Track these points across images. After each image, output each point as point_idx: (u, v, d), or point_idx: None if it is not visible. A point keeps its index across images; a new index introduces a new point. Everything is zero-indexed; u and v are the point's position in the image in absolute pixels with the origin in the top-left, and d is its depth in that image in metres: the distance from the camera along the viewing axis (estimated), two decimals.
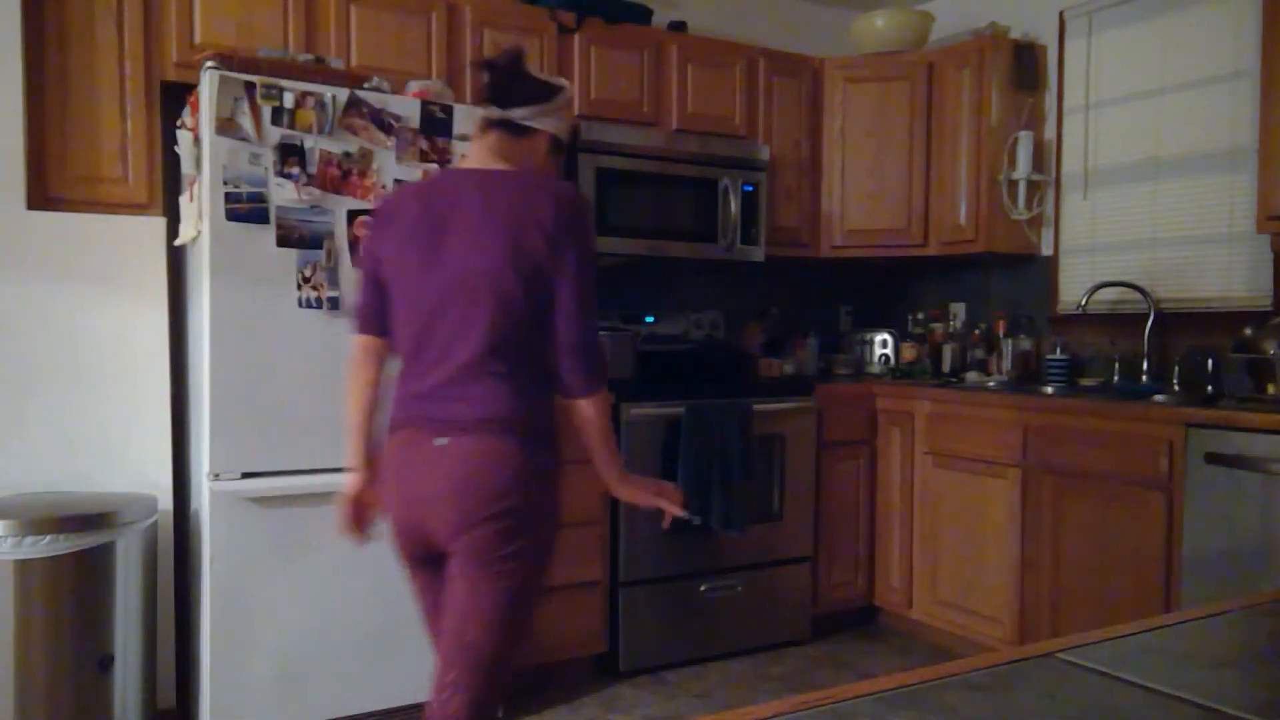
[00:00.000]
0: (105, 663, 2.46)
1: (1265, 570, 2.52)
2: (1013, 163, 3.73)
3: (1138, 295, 3.44)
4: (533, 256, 1.72)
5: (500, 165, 1.84)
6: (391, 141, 2.65)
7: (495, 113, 1.83)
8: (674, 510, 1.88)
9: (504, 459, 1.69)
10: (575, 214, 1.77)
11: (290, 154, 2.52)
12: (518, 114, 1.82)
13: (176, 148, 2.66)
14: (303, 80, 2.55)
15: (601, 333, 3.39)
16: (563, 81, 1.91)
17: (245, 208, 2.48)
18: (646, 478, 1.93)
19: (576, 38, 3.45)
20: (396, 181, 2.66)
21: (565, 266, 1.74)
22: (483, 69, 1.84)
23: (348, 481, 1.89)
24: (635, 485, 1.89)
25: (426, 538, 1.75)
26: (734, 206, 3.66)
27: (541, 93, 1.85)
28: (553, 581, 3.10)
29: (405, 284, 1.78)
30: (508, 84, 1.83)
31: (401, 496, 1.76)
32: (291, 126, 2.52)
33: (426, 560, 1.80)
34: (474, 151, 1.87)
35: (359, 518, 1.91)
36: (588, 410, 1.79)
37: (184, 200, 2.68)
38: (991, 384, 3.68)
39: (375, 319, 1.85)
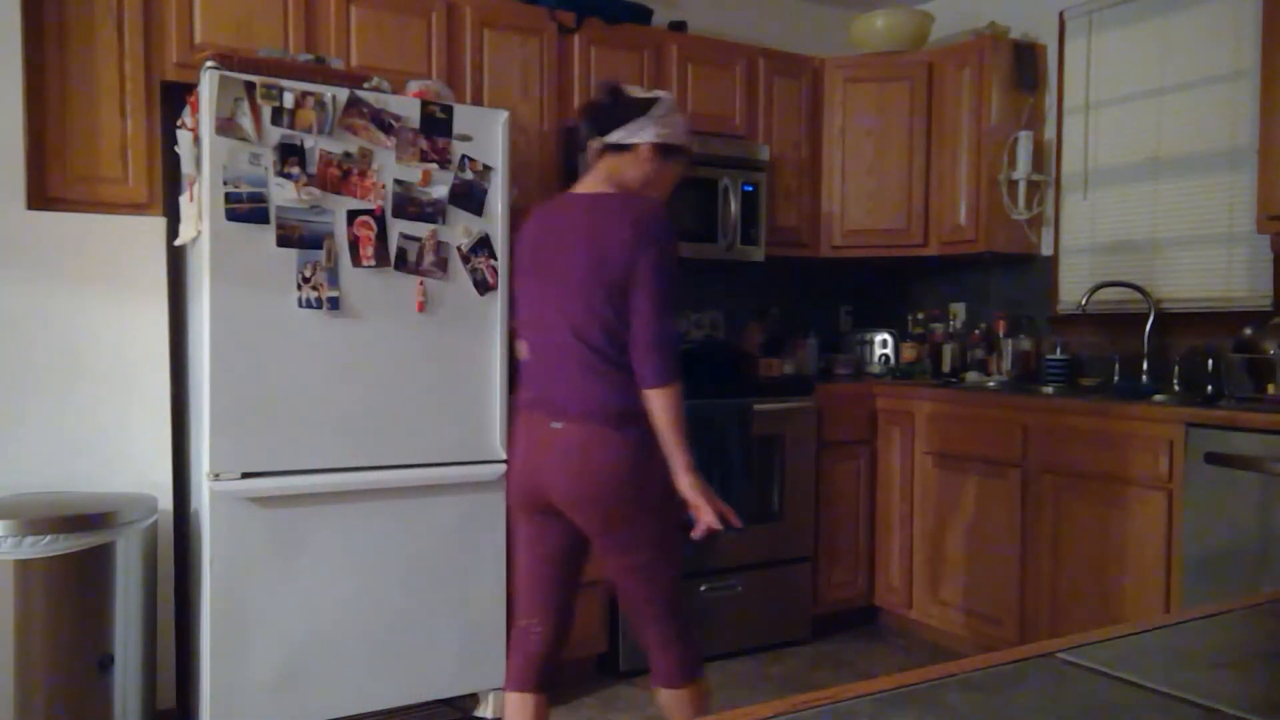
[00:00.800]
0: (105, 663, 2.46)
1: (1265, 570, 2.52)
2: (1013, 163, 3.73)
3: (1138, 295, 3.44)
4: (613, 269, 2.00)
5: (603, 188, 2.13)
6: (391, 141, 2.65)
7: (599, 142, 2.14)
8: (703, 527, 2.04)
9: (602, 446, 2.00)
10: (651, 230, 2.01)
11: (290, 154, 2.52)
12: (616, 136, 2.12)
13: (176, 148, 2.66)
14: (303, 80, 2.54)
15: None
16: (659, 93, 2.17)
17: (245, 208, 2.47)
18: (708, 486, 2.06)
19: (576, 38, 3.45)
20: (397, 182, 2.66)
21: (641, 276, 1.99)
22: (585, 109, 2.19)
23: None
24: (695, 487, 2.04)
25: (543, 497, 2.08)
26: (734, 206, 3.66)
27: (637, 109, 2.12)
28: None
29: (526, 296, 2.17)
30: (605, 115, 2.13)
31: (524, 463, 2.10)
32: (291, 126, 2.52)
33: (536, 516, 2.13)
34: (586, 177, 2.18)
35: None
36: (657, 401, 2.01)
37: (184, 200, 2.68)
38: (991, 384, 3.68)
39: (522, 326, 2.22)
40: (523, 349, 2.22)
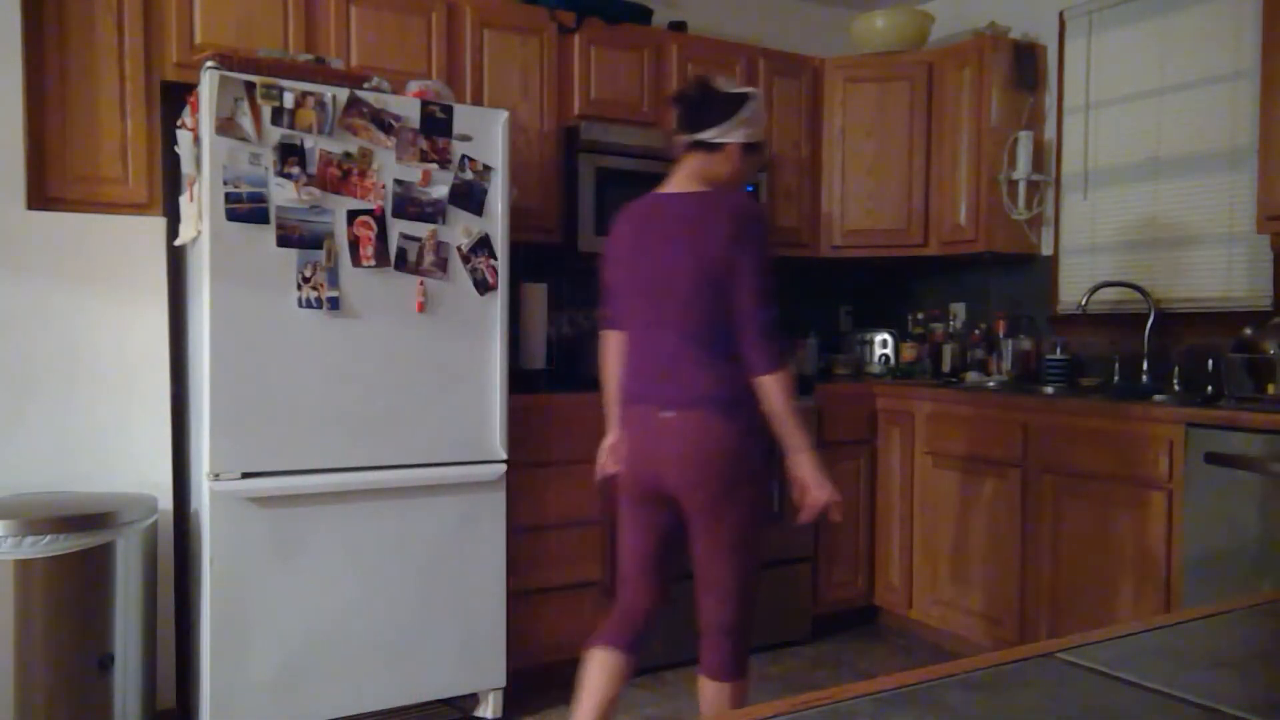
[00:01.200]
0: (105, 663, 2.46)
1: (1265, 570, 2.52)
2: (1013, 163, 3.73)
3: (1138, 295, 3.44)
4: (712, 265, 2.09)
5: (694, 186, 2.20)
6: (391, 141, 2.65)
7: (687, 138, 2.20)
8: (815, 508, 2.16)
9: (713, 431, 2.10)
10: (747, 225, 2.10)
11: (290, 154, 2.52)
12: (707, 135, 2.17)
13: (176, 148, 2.66)
14: (303, 80, 2.54)
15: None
16: (749, 91, 2.21)
17: (245, 208, 2.47)
18: (825, 473, 2.16)
19: (576, 38, 3.45)
20: (397, 182, 2.66)
21: (741, 269, 2.08)
22: (675, 102, 2.22)
23: (609, 434, 2.38)
24: (812, 466, 2.15)
25: (655, 485, 2.19)
26: None
27: (729, 108, 2.16)
28: (552, 581, 3.11)
29: (626, 292, 2.25)
30: (697, 111, 2.18)
31: (636, 453, 2.21)
32: (291, 126, 2.52)
33: (646, 501, 2.24)
34: (675, 175, 2.25)
35: (614, 457, 2.35)
36: (769, 387, 2.11)
37: (184, 200, 2.68)
38: (991, 384, 3.68)
39: (615, 317, 2.34)
40: (609, 340, 2.38)
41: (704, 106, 2.18)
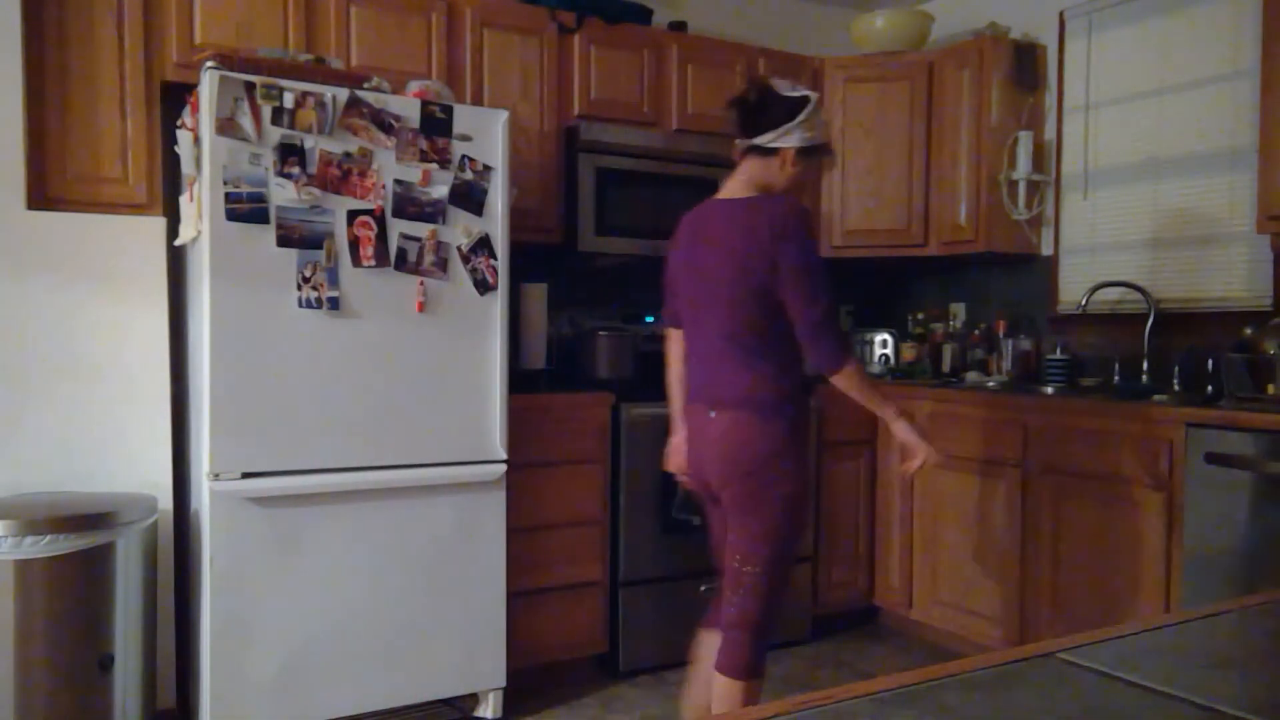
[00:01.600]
0: (105, 663, 2.46)
1: (1265, 570, 2.52)
2: (1013, 163, 3.73)
3: (1138, 295, 3.44)
4: (755, 269, 2.12)
5: (747, 191, 2.22)
6: (391, 141, 2.65)
7: (744, 142, 2.22)
8: (916, 464, 2.26)
9: (748, 432, 2.16)
10: (786, 227, 2.10)
11: (290, 154, 2.52)
12: (763, 139, 2.19)
13: (176, 148, 2.66)
14: (303, 80, 2.54)
15: (604, 334, 3.40)
16: (808, 94, 2.20)
17: (245, 208, 2.47)
18: (921, 434, 2.26)
19: (576, 38, 3.45)
20: (397, 182, 2.66)
21: (785, 271, 2.11)
22: (732, 106, 2.23)
23: (674, 431, 2.46)
24: (910, 430, 2.25)
25: (705, 481, 2.28)
26: None
27: (787, 112, 2.16)
28: (552, 581, 3.11)
29: (681, 293, 2.33)
30: (753, 114, 2.19)
31: (690, 451, 2.32)
32: (291, 126, 2.52)
33: (708, 495, 2.34)
34: (731, 180, 2.28)
35: (679, 456, 2.43)
36: (839, 383, 2.19)
37: (184, 200, 2.68)
38: (991, 384, 3.68)
39: (674, 317, 2.43)
40: (671, 341, 2.46)
41: (760, 110, 2.18)
